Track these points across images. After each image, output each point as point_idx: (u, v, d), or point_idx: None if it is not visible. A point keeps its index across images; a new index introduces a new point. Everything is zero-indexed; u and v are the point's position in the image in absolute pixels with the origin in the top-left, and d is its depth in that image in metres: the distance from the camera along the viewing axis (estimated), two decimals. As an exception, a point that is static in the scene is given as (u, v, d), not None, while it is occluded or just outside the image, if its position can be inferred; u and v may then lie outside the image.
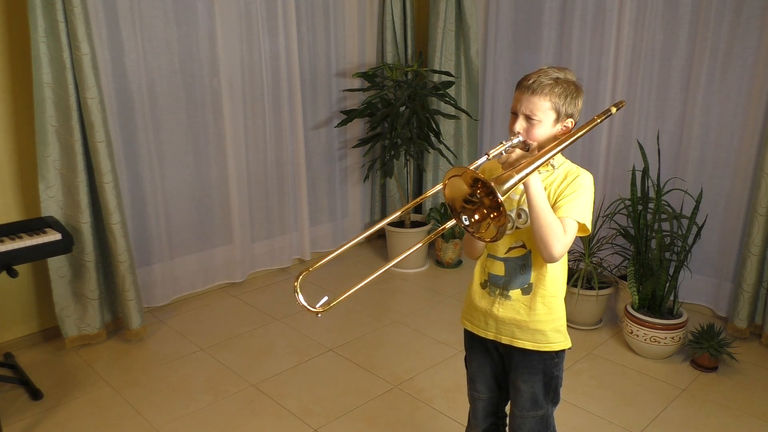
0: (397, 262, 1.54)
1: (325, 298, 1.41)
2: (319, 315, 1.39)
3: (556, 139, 1.54)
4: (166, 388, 2.75)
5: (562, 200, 1.52)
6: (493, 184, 1.30)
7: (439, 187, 1.40)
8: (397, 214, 1.62)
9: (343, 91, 4.16)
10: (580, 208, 1.52)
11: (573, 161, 1.62)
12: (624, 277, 3.25)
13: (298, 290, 1.39)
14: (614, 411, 2.57)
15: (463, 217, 1.38)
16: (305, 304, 1.38)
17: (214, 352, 3.06)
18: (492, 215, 1.35)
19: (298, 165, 3.99)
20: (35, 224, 2.61)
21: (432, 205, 4.32)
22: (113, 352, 3.05)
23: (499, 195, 1.29)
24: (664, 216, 3.05)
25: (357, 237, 1.54)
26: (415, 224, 4.24)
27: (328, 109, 4.15)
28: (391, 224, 4.12)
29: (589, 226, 1.54)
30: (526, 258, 1.60)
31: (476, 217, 1.38)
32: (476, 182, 1.34)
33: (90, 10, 2.83)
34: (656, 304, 2.99)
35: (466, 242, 1.71)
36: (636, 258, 3.05)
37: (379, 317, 3.42)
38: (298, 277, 1.42)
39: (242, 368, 2.91)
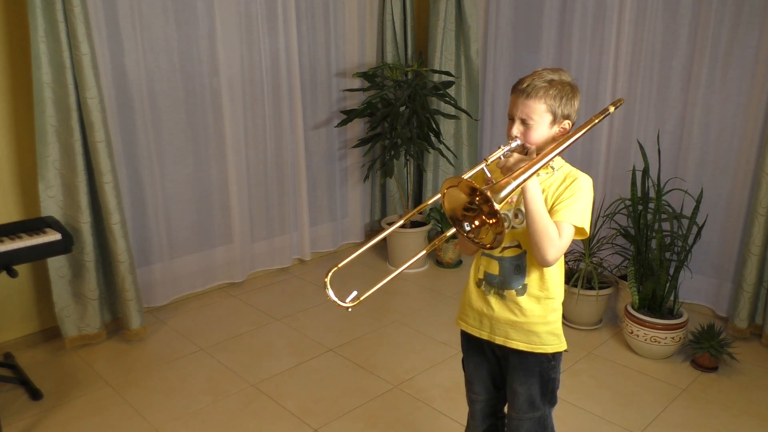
0: (396, 263, 1.55)
1: (355, 293, 1.44)
2: (350, 309, 1.43)
3: (554, 141, 1.54)
4: (166, 388, 2.75)
5: (560, 204, 1.52)
6: (489, 193, 1.30)
7: (437, 197, 1.42)
8: (401, 222, 1.66)
9: (343, 91, 4.15)
10: (578, 211, 1.51)
11: (573, 161, 1.61)
12: (624, 277, 3.25)
13: (329, 286, 1.42)
14: (614, 411, 2.57)
15: (465, 223, 1.39)
16: (336, 299, 1.41)
17: (214, 352, 3.06)
18: (490, 221, 1.36)
19: (298, 165, 3.99)
20: (35, 224, 2.60)
21: (432, 206, 4.32)
22: (113, 352, 3.05)
23: (495, 204, 1.29)
24: (664, 216, 3.05)
25: (384, 232, 1.59)
26: (415, 224, 4.24)
27: (328, 109, 4.15)
28: (391, 224, 4.12)
29: (588, 230, 1.54)
30: (521, 258, 1.59)
31: (476, 222, 1.39)
32: (474, 191, 1.34)
33: (90, 10, 2.83)
34: (656, 304, 2.99)
35: (460, 239, 1.70)
36: (636, 258, 3.05)
37: (379, 317, 3.42)
38: (327, 274, 1.46)
39: (242, 368, 2.91)
